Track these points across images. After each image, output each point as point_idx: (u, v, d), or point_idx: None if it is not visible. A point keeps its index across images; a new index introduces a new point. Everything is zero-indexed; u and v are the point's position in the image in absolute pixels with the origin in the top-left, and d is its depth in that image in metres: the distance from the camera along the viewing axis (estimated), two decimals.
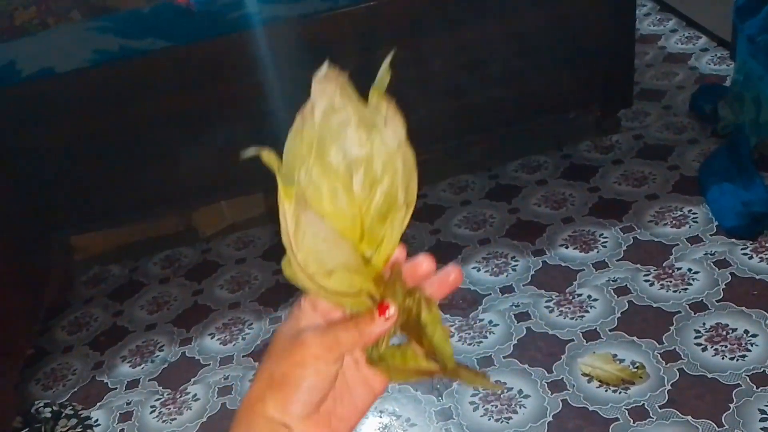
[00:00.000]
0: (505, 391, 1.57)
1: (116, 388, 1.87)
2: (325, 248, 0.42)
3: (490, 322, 1.76)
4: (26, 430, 1.70)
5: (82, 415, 1.77)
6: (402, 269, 0.46)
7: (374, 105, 0.43)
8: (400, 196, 0.44)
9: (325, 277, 0.44)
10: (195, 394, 1.78)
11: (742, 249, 1.76)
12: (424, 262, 0.46)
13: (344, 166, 0.43)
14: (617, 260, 1.83)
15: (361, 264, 0.44)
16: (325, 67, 0.43)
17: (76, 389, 1.90)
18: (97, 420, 1.78)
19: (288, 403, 0.44)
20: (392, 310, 0.44)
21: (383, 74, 0.45)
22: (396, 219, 0.45)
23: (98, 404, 1.83)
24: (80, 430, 1.72)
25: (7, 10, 1.93)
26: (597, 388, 1.52)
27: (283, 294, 2.02)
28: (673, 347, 1.56)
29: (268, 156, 0.42)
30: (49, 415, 1.75)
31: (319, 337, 0.44)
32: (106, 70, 1.91)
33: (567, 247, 1.92)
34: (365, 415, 0.48)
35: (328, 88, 0.43)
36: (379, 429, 1.56)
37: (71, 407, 1.80)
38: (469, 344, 1.71)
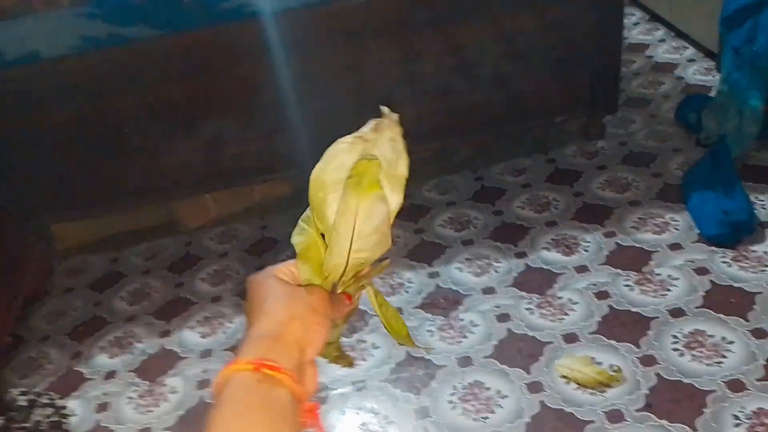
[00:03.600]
0: (484, 390, 1.58)
1: (94, 379, 1.85)
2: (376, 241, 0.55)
3: (471, 322, 1.76)
4: (1, 417, 1.68)
5: (57, 405, 1.75)
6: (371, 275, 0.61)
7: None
8: None
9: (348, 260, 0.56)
10: (173, 387, 1.77)
11: (721, 257, 1.78)
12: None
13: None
14: (599, 264, 1.85)
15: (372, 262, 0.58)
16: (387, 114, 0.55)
17: (53, 378, 1.88)
18: (73, 410, 1.76)
19: (314, 349, 0.54)
20: (354, 301, 0.60)
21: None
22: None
23: (74, 394, 1.81)
24: (56, 419, 1.70)
25: None
26: (574, 390, 1.53)
27: None
28: (650, 352, 1.58)
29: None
30: (24, 403, 1.73)
31: (332, 303, 0.56)
32: (93, 57, 1.90)
33: (549, 251, 1.93)
34: None
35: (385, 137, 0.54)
36: (357, 426, 1.56)
37: (47, 396, 1.78)
38: (449, 343, 1.71)
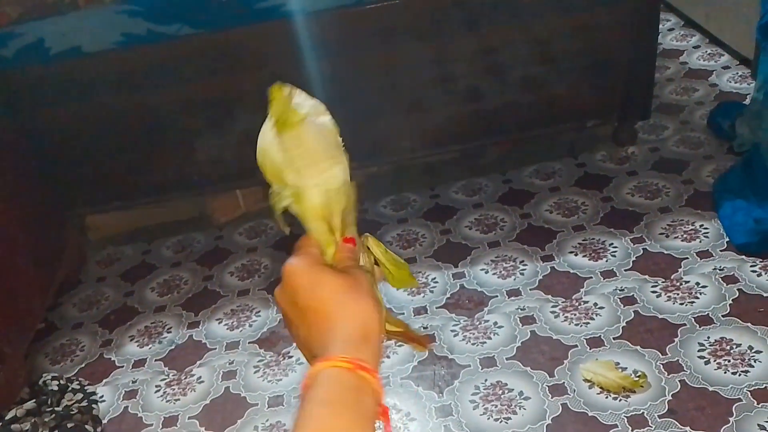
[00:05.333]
0: (507, 391, 1.58)
1: (123, 366, 1.90)
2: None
3: (495, 323, 1.77)
4: (33, 401, 1.72)
5: (87, 390, 1.80)
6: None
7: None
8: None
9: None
10: (200, 377, 1.81)
11: (751, 266, 1.76)
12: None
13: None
14: (626, 270, 1.84)
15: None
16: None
17: (83, 365, 1.93)
18: (102, 396, 1.81)
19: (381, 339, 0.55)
20: (357, 244, 0.60)
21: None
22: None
23: (104, 381, 1.86)
24: (85, 404, 1.74)
25: None
26: (597, 394, 1.53)
27: None
28: (676, 359, 1.56)
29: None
30: (56, 388, 1.78)
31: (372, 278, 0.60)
32: (132, 53, 1.95)
33: (576, 255, 1.93)
34: None
35: None
36: (378, 421, 1.57)
37: (78, 382, 1.83)
38: (473, 344, 1.72)
